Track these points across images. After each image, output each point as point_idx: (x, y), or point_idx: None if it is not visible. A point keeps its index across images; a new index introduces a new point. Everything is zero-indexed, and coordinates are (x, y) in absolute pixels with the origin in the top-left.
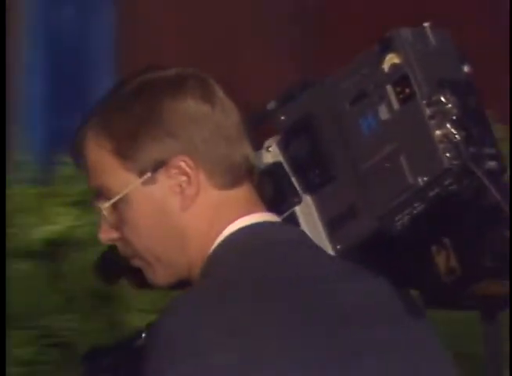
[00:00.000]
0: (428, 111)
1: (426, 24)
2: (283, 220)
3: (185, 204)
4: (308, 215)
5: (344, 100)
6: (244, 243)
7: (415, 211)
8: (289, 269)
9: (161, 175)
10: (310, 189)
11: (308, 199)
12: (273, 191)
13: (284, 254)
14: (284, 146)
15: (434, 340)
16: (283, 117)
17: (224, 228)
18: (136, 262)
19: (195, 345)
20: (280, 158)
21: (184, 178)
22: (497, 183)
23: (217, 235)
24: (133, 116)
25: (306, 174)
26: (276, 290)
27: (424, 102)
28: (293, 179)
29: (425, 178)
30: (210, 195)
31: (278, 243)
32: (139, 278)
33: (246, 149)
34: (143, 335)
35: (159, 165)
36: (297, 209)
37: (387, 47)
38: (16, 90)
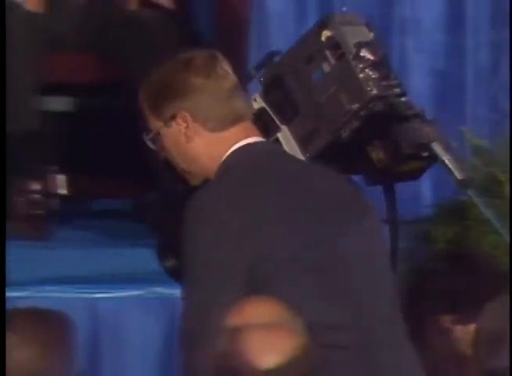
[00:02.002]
0: (353, 63)
1: (344, 9)
2: (271, 142)
3: (188, 140)
4: (286, 139)
5: (299, 63)
6: (243, 153)
7: (353, 126)
8: (276, 166)
9: (173, 123)
10: (285, 121)
11: (285, 128)
12: (262, 125)
13: (271, 158)
14: (265, 97)
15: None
16: (262, 79)
17: (227, 149)
18: (180, 170)
19: (217, 213)
20: (263, 104)
21: (184, 124)
22: (405, 104)
23: (223, 153)
24: (159, 85)
25: (281, 112)
26: (269, 178)
27: (351, 57)
28: (274, 117)
29: (357, 105)
30: (206, 136)
31: (266, 152)
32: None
33: (237, 103)
34: None
35: (172, 117)
36: (279, 135)
37: (323, 26)
38: None
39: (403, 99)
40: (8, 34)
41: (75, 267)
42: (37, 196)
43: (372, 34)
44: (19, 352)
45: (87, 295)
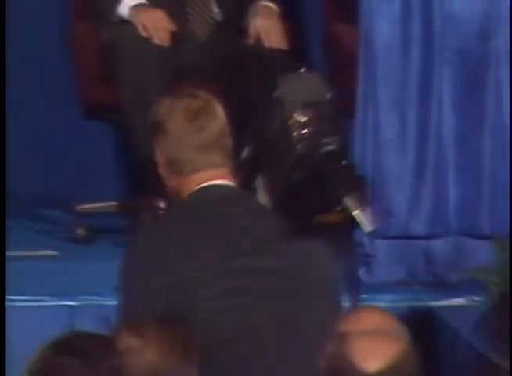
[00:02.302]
0: (290, 121)
1: (302, 70)
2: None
3: (163, 179)
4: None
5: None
6: (196, 194)
7: (292, 178)
8: (211, 208)
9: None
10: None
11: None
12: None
13: (214, 200)
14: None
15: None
16: None
17: (193, 189)
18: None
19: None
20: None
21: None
22: (334, 160)
23: (188, 192)
24: (151, 118)
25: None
26: (198, 224)
27: (290, 116)
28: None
29: (291, 161)
30: (176, 178)
31: (215, 194)
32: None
33: (210, 155)
34: None
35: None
36: (256, 183)
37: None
38: None
39: (334, 154)
40: (138, 64)
41: None
42: (162, 213)
43: (326, 94)
44: (143, 356)
45: None
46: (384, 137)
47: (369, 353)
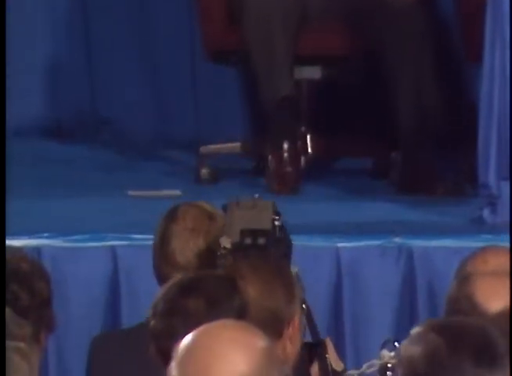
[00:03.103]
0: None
1: (256, 195)
2: None
3: None
4: None
5: None
6: None
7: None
8: None
9: None
10: None
11: None
12: None
13: None
14: None
15: None
16: None
17: None
18: None
19: None
20: None
21: None
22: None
23: None
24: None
25: None
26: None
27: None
28: None
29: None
30: None
31: None
32: None
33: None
34: None
35: None
36: None
37: (224, 209)
38: None
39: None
40: (263, 10)
41: (320, 218)
42: (288, 154)
43: (276, 221)
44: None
45: (331, 244)
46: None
47: (493, 294)
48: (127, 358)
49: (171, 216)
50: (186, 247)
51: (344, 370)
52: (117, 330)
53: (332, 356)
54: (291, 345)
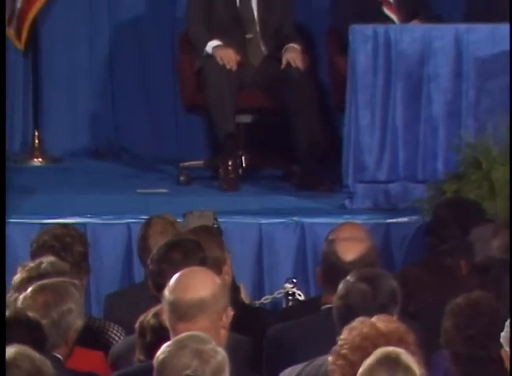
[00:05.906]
0: None
1: (203, 209)
2: None
3: None
4: None
5: None
6: None
7: None
8: None
9: None
10: None
11: None
12: None
13: None
14: None
15: None
16: None
17: None
18: None
19: None
20: None
21: None
22: None
23: None
24: None
25: None
26: None
27: None
28: None
29: None
30: None
31: None
32: None
33: None
34: None
35: None
36: None
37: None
38: None
39: None
40: (217, 81)
41: (251, 206)
42: (232, 167)
43: (213, 225)
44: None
45: (255, 221)
46: (361, 124)
47: (347, 250)
48: (136, 301)
49: (148, 223)
50: (158, 243)
51: (252, 303)
52: (126, 288)
53: (243, 295)
54: (227, 277)
